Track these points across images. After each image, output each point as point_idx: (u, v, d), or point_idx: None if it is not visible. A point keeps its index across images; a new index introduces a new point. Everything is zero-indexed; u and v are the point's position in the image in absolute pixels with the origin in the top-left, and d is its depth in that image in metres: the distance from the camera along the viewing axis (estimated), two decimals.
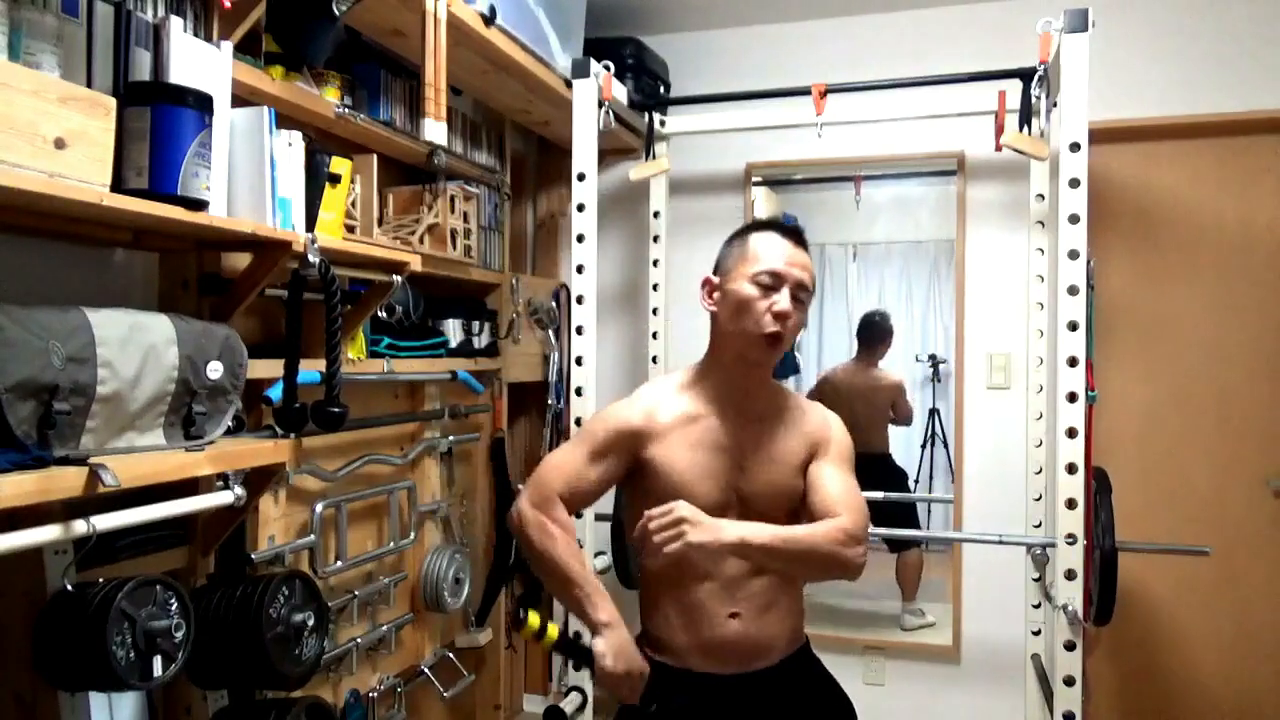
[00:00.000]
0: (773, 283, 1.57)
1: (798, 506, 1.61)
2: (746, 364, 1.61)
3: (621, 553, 2.92)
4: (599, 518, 2.67)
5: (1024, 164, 2.77)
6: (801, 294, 1.59)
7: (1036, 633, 2.79)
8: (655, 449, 1.59)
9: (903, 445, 3.41)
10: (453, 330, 2.68)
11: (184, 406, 1.48)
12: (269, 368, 1.78)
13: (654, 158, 3.06)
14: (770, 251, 1.59)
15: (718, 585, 1.56)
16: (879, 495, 3.26)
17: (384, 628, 2.34)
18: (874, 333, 3.41)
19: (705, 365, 1.67)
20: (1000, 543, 2.69)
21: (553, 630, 1.53)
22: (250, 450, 1.64)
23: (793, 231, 1.63)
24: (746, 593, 1.57)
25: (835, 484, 1.60)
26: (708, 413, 1.61)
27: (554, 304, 3.14)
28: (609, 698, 1.55)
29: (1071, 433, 2.19)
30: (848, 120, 2.86)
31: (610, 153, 3.23)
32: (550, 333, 3.09)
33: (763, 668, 1.59)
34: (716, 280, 1.64)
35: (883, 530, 3.23)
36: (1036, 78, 2.54)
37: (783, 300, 1.55)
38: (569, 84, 2.65)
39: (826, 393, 3.38)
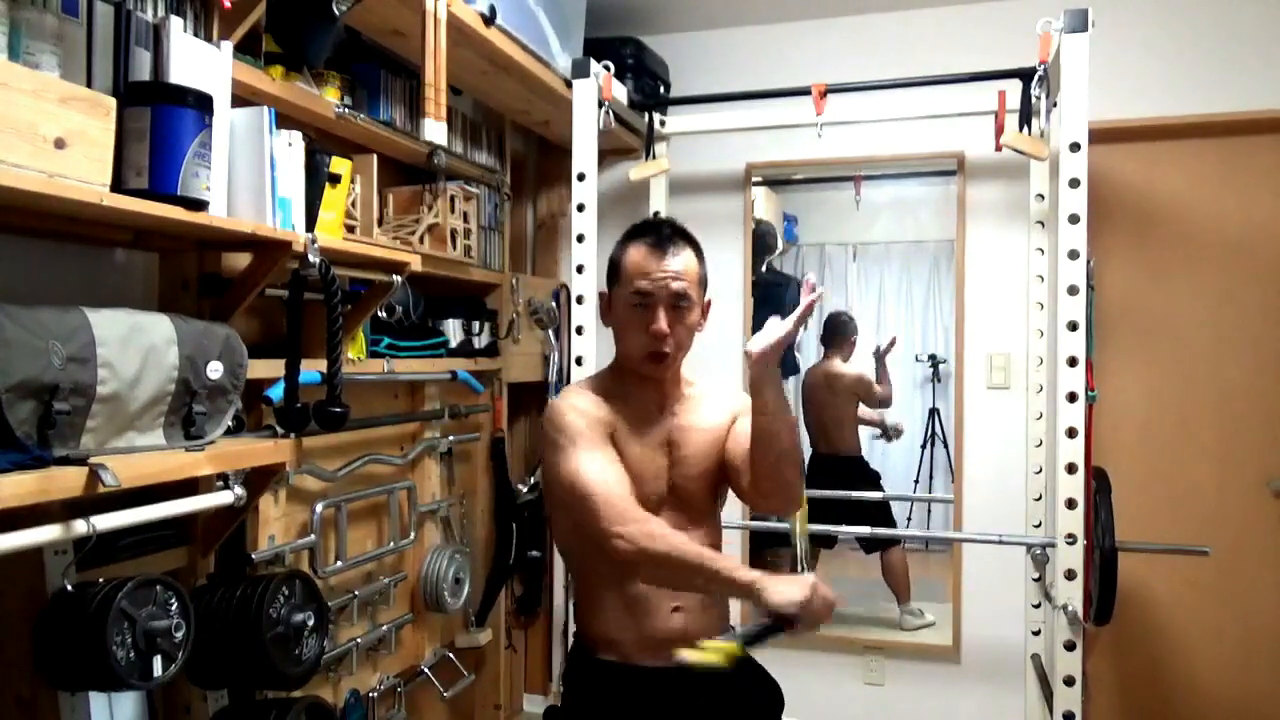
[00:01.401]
0: (645, 301, 1.57)
1: (718, 490, 1.66)
2: (647, 375, 1.63)
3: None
4: None
5: (1024, 164, 2.77)
6: (682, 301, 1.57)
7: (1036, 633, 2.79)
8: (617, 440, 1.62)
9: (903, 445, 3.41)
10: (453, 330, 2.68)
11: (184, 406, 1.48)
12: (269, 368, 1.78)
13: (654, 158, 3.06)
14: (638, 268, 1.58)
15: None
16: (879, 496, 3.27)
17: (384, 628, 2.34)
18: (841, 332, 3.42)
19: (619, 371, 1.69)
20: (1000, 543, 2.69)
21: (732, 646, 1.40)
22: (250, 450, 1.64)
23: (665, 236, 1.59)
24: None
25: None
26: (635, 412, 1.63)
27: (554, 304, 3.14)
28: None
29: (1071, 433, 2.19)
30: (848, 120, 2.86)
31: (610, 153, 3.23)
32: (550, 333, 3.10)
33: None
34: (609, 295, 1.66)
35: (883, 530, 3.24)
36: (1036, 78, 2.54)
37: (658, 320, 1.55)
38: (569, 84, 2.65)
39: (801, 400, 3.44)
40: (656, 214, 3.05)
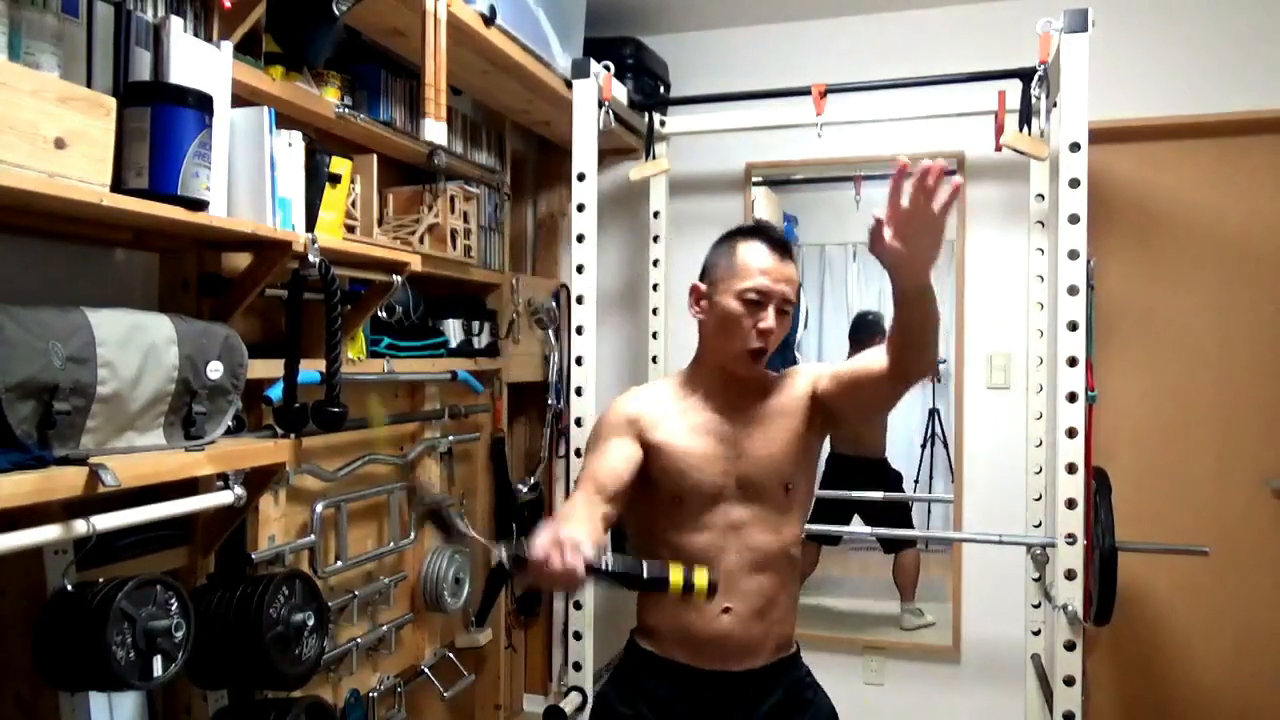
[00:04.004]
0: (759, 300, 1.59)
1: (790, 482, 1.64)
2: (730, 371, 1.65)
3: (622, 553, 2.92)
4: None
5: (1024, 164, 2.77)
6: (786, 306, 1.61)
7: (1036, 633, 2.79)
8: (659, 435, 1.63)
9: (903, 445, 3.40)
10: (453, 330, 2.68)
11: (184, 406, 1.48)
12: (269, 368, 1.78)
13: (654, 158, 3.06)
14: (757, 267, 1.60)
15: (717, 578, 1.57)
16: (878, 496, 3.26)
17: (384, 628, 2.34)
18: (868, 331, 3.41)
19: (695, 367, 1.72)
20: (1000, 543, 2.69)
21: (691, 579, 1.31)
22: (250, 450, 1.64)
23: (779, 242, 1.64)
24: (743, 589, 1.59)
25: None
26: (702, 406, 1.66)
27: (554, 304, 3.14)
28: None
29: (1071, 433, 2.19)
30: (848, 120, 2.86)
31: (610, 153, 3.23)
32: (550, 333, 3.10)
33: (745, 669, 1.60)
34: (704, 289, 1.67)
35: (882, 530, 3.24)
36: (1036, 78, 2.54)
37: (768, 318, 1.58)
38: (569, 84, 2.65)
39: None
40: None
